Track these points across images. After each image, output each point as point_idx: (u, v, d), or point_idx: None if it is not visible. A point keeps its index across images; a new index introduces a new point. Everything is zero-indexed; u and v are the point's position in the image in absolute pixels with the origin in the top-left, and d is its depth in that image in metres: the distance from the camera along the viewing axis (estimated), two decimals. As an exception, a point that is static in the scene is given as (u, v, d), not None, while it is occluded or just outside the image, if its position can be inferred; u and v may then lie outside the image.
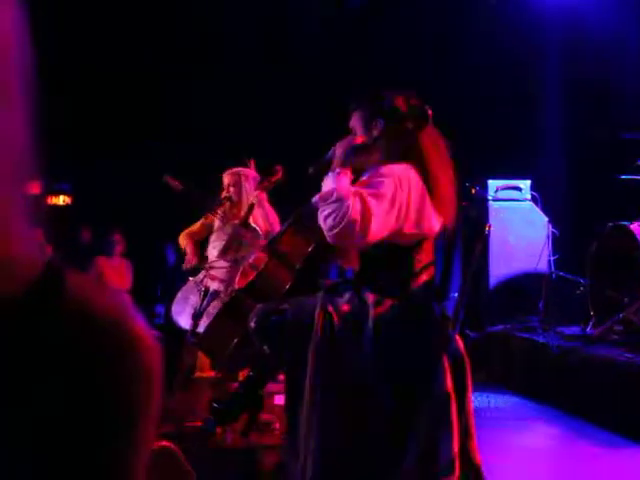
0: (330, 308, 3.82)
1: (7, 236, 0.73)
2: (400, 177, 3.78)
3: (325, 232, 3.69)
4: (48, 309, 0.71)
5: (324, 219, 3.66)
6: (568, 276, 7.35)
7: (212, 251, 6.82)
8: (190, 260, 6.80)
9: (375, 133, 4.00)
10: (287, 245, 4.25)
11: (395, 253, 3.87)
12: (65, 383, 0.70)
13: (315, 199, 3.76)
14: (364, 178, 3.89)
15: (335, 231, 3.63)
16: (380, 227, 3.68)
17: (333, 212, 3.63)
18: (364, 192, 3.68)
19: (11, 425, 0.68)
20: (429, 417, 3.75)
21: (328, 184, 3.77)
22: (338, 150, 3.94)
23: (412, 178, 3.83)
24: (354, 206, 3.62)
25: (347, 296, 3.88)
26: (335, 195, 3.66)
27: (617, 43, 8.14)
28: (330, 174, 3.82)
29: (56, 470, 0.70)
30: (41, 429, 0.70)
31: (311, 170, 4.17)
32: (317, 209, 3.77)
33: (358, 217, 3.61)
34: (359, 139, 4.04)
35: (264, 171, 6.70)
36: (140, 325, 0.77)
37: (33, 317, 0.70)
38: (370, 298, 3.85)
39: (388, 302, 3.86)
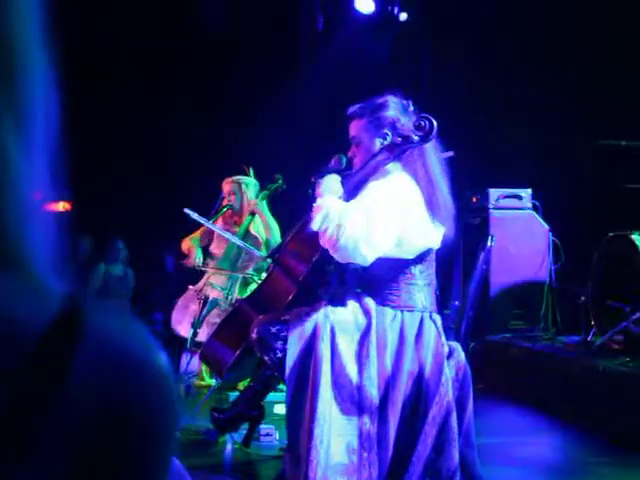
0: (332, 318, 3.81)
1: (29, 264, 0.76)
2: (400, 190, 3.78)
3: (332, 253, 3.68)
4: (69, 346, 0.70)
5: (329, 239, 3.63)
6: (569, 285, 7.34)
7: (211, 260, 6.82)
8: (191, 259, 6.77)
9: (379, 144, 3.98)
10: (290, 256, 4.24)
11: (397, 264, 3.87)
12: (86, 426, 0.70)
13: (312, 227, 3.74)
14: (363, 191, 3.87)
15: (340, 244, 3.61)
16: (384, 239, 3.68)
17: (334, 228, 3.61)
18: (362, 204, 3.68)
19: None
20: (432, 429, 3.74)
21: (316, 211, 3.75)
22: (320, 190, 3.93)
23: (411, 191, 3.83)
24: (356, 217, 3.61)
25: (349, 307, 3.87)
26: (331, 215, 3.65)
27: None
28: (316, 202, 3.81)
29: None
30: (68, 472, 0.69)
31: (314, 179, 4.16)
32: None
33: (363, 226, 3.60)
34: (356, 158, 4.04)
35: (264, 179, 6.71)
36: (162, 359, 0.77)
37: (53, 354, 0.69)
38: (373, 309, 3.84)
39: (390, 313, 3.86)
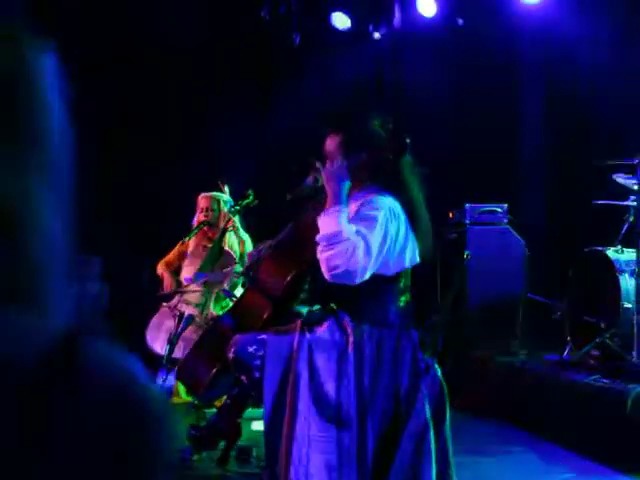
0: (309, 336, 3.80)
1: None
2: (391, 211, 3.79)
3: (325, 272, 3.68)
4: (62, 383, 0.72)
5: (327, 259, 3.65)
6: (545, 300, 7.36)
7: (185, 275, 6.79)
8: (167, 286, 6.78)
9: (355, 161, 3.97)
10: (266, 274, 4.22)
11: (376, 282, 3.85)
12: (78, 461, 0.71)
13: (319, 238, 3.73)
14: (355, 207, 3.86)
15: (338, 271, 3.63)
16: (375, 264, 3.70)
17: (339, 254, 3.62)
18: (364, 231, 3.67)
19: None
20: (409, 445, 3.73)
21: (329, 222, 3.72)
22: (332, 183, 3.87)
23: (399, 211, 3.83)
24: (360, 249, 3.62)
25: (326, 324, 3.86)
26: (341, 236, 3.64)
27: (594, 69, 8.19)
28: (331, 211, 3.77)
29: None
30: None
31: (289, 196, 4.15)
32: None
33: (363, 259, 3.62)
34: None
35: (237, 195, 6.71)
36: (156, 391, 0.79)
37: (45, 390, 0.71)
38: (350, 326, 3.83)
39: (367, 329, 3.85)
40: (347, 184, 3.87)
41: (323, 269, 3.70)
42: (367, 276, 3.71)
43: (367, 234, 3.67)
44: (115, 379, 0.75)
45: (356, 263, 3.63)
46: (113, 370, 0.76)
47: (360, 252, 3.63)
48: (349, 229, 3.68)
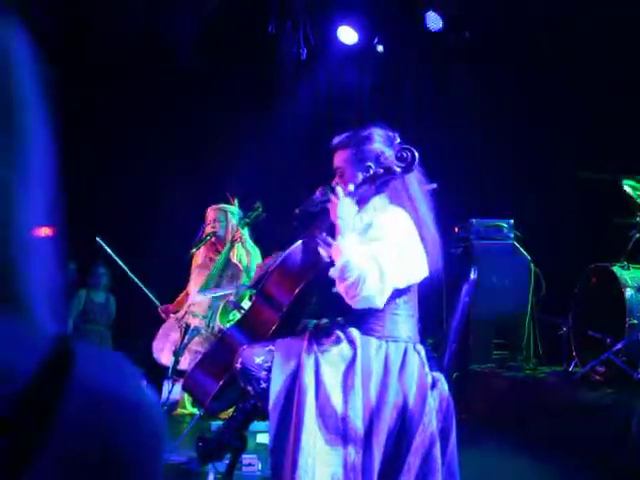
0: (316, 349, 3.80)
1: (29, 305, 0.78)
2: (402, 226, 3.81)
3: (348, 300, 3.73)
4: (58, 388, 0.73)
5: (345, 291, 3.72)
6: (550, 316, 7.36)
7: (193, 287, 6.79)
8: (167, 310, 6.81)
9: (364, 175, 3.99)
10: (274, 287, 4.22)
11: (386, 295, 3.87)
12: (76, 465, 0.72)
13: (331, 272, 3.77)
14: (365, 223, 3.88)
15: (358, 299, 3.68)
16: (392, 284, 3.73)
17: (353, 284, 3.67)
18: (376, 255, 3.69)
19: None
20: (415, 460, 3.73)
21: (338, 255, 3.77)
22: (339, 213, 3.89)
23: (411, 226, 3.86)
24: (373, 272, 3.65)
25: (334, 336, 3.87)
26: (351, 267, 3.68)
27: (598, 76, 8.19)
28: (339, 242, 3.82)
29: None
30: None
31: (298, 211, 4.16)
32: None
33: (378, 282, 3.65)
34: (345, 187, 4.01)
35: (245, 207, 6.73)
36: (149, 398, 0.80)
37: (43, 397, 0.72)
38: (357, 339, 3.84)
39: (375, 343, 3.85)
40: (355, 210, 3.92)
41: (346, 300, 3.76)
42: (387, 296, 3.75)
43: (380, 257, 3.70)
44: (107, 383, 0.76)
45: (371, 290, 3.67)
46: (106, 375, 0.77)
47: (373, 278, 3.66)
48: (358, 258, 3.71)
